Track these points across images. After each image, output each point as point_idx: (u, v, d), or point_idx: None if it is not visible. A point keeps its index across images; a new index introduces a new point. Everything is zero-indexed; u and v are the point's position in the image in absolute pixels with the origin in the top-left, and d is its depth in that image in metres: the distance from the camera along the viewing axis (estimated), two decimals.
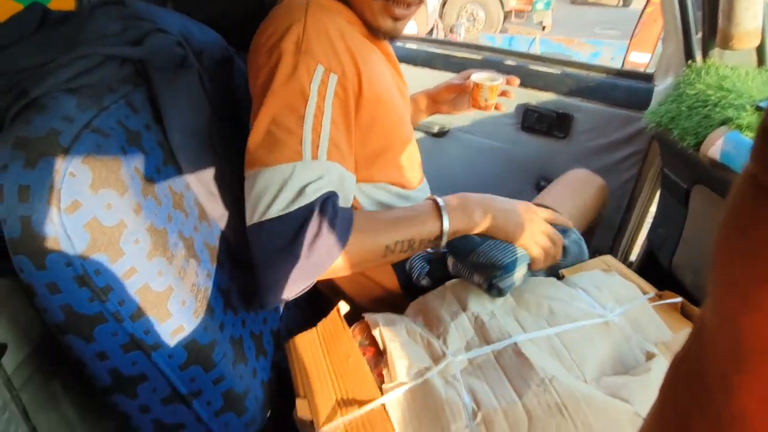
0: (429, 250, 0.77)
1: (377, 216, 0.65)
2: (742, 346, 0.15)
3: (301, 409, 0.59)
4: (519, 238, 0.69)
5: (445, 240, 0.66)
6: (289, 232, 0.55)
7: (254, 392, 0.62)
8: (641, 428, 0.21)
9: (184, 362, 0.53)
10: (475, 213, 0.68)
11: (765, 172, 0.15)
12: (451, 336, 0.63)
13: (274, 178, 0.55)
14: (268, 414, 0.65)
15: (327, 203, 0.57)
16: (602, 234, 1.49)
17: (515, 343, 0.60)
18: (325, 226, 0.56)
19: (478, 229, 0.69)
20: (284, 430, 0.68)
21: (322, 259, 0.56)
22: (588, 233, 1.18)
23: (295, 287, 0.56)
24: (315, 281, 0.59)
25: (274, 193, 0.55)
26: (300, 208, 0.55)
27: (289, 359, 0.67)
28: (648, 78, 1.30)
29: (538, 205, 1.06)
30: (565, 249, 0.78)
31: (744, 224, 0.15)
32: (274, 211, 0.55)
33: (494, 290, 0.68)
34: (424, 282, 0.79)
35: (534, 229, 0.70)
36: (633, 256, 1.50)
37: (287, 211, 0.55)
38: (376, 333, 0.65)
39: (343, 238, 0.58)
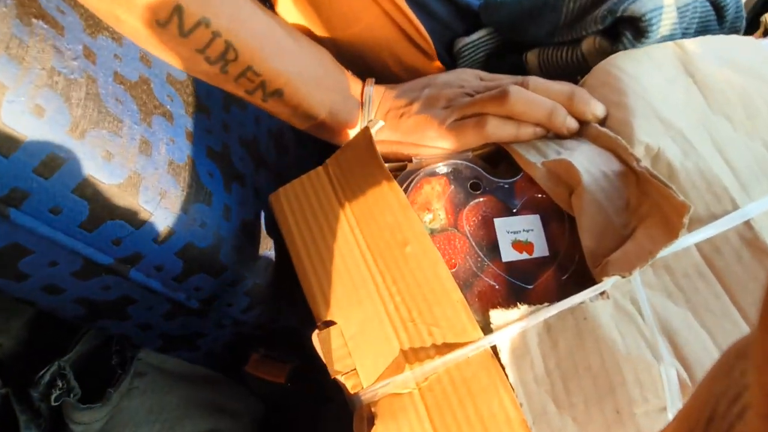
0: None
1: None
2: None
3: (325, 343, 0.32)
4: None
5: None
6: None
7: None
8: None
9: None
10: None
11: None
12: None
13: None
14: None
15: None
16: None
17: (747, 220, 0.30)
18: None
19: None
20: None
21: None
22: None
23: None
24: None
25: None
26: None
27: (285, 235, 0.35)
28: None
29: None
30: (723, 9, 0.43)
31: None
32: None
33: (628, 32, 0.38)
34: None
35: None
36: None
37: None
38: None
39: None
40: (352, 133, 0.39)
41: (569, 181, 0.32)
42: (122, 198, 0.32)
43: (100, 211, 0.32)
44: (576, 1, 0.41)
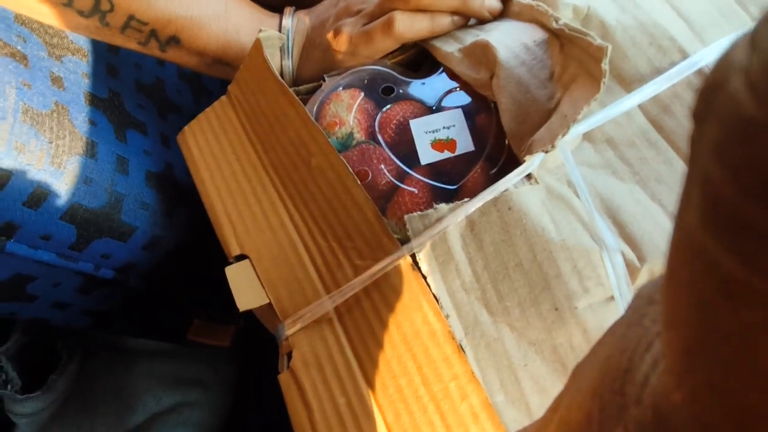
0: None
1: None
2: None
3: (236, 279, 0.29)
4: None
5: None
6: None
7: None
8: None
9: None
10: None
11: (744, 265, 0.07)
12: None
13: None
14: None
15: None
16: None
17: (699, 69, 0.25)
18: None
19: None
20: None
21: None
22: None
23: None
24: None
25: None
26: None
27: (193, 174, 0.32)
28: None
29: None
30: None
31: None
32: None
33: None
34: None
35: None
36: None
37: None
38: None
39: None
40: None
41: (488, 63, 0.28)
42: None
43: None
44: None
